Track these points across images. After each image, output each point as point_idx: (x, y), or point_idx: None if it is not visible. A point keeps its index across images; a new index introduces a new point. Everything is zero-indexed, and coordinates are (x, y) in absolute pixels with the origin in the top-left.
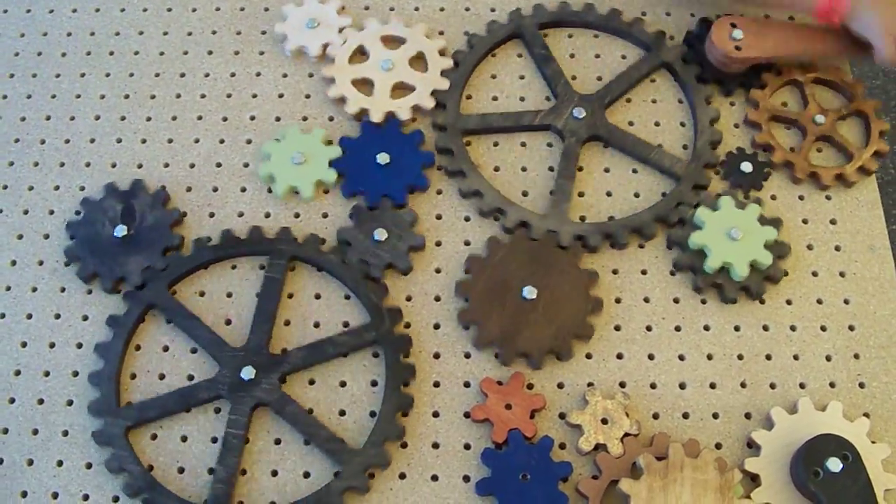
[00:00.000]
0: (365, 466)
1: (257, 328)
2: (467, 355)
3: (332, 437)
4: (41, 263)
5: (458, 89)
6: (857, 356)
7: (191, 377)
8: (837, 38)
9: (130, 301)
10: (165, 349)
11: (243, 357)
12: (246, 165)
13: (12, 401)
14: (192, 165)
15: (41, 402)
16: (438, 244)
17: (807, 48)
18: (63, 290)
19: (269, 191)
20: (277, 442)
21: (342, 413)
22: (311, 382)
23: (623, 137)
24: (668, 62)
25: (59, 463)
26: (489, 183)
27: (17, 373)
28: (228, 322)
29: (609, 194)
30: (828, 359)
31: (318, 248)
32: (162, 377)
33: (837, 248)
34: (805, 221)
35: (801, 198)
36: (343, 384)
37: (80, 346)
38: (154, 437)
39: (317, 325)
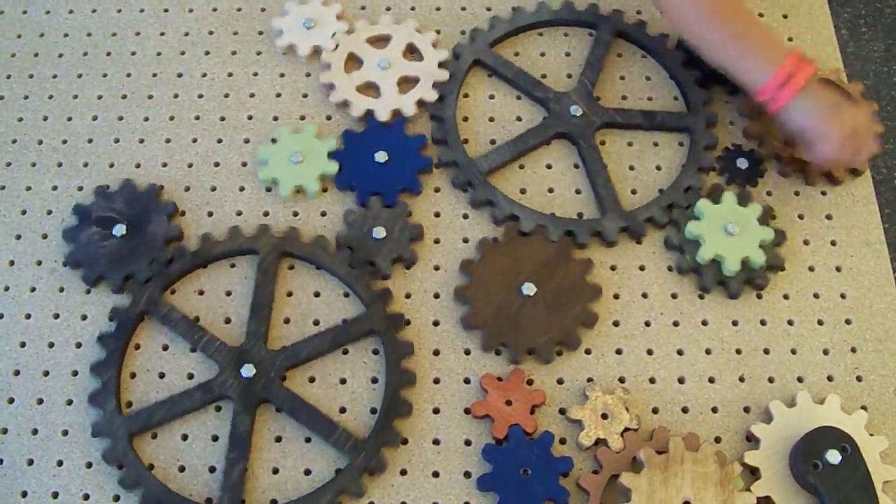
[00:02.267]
0: (375, 452)
1: (253, 325)
2: (467, 352)
3: (338, 429)
4: (39, 263)
5: (456, 83)
6: (854, 350)
7: (191, 375)
8: None
9: (123, 311)
10: (165, 348)
11: (242, 355)
12: (244, 165)
13: (12, 401)
14: (191, 165)
15: (41, 401)
16: (437, 241)
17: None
18: (62, 289)
19: (268, 190)
20: (278, 439)
21: (342, 410)
22: (312, 380)
23: (630, 115)
24: (620, 30)
25: (59, 462)
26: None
27: (17, 373)
28: (228, 321)
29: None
30: (825, 352)
31: (301, 241)
32: (162, 376)
33: (833, 243)
34: (801, 216)
35: (796, 193)
36: (343, 381)
37: (79, 345)
38: (154, 436)
39: (316, 322)
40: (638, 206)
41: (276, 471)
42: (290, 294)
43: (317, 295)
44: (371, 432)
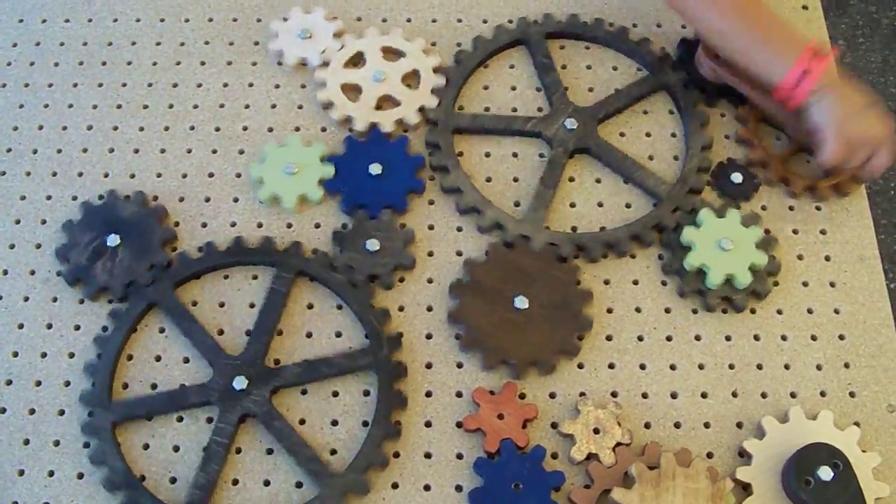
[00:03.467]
0: (343, 491)
1: (255, 339)
2: (459, 365)
3: (314, 458)
4: (33, 273)
5: (451, 94)
6: (847, 365)
7: (183, 386)
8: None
9: (135, 298)
10: (158, 359)
11: (238, 366)
12: (238, 176)
13: (3, 411)
14: (185, 175)
15: (32, 412)
16: (431, 254)
17: (767, 101)
18: (55, 299)
19: (261, 202)
20: (269, 452)
21: (335, 423)
22: (304, 392)
23: (610, 153)
24: (668, 86)
25: (51, 473)
26: (471, 181)
27: (9, 382)
28: (221, 332)
29: (600, 205)
30: (818, 368)
31: (326, 264)
32: (154, 387)
33: (827, 258)
34: (795, 232)
35: (791, 208)
36: (335, 394)
37: (71, 355)
38: (146, 446)
39: (309, 335)
40: (626, 223)
41: (267, 483)
42: (288, 308)
43: (309, 307)
44: (348, 467)
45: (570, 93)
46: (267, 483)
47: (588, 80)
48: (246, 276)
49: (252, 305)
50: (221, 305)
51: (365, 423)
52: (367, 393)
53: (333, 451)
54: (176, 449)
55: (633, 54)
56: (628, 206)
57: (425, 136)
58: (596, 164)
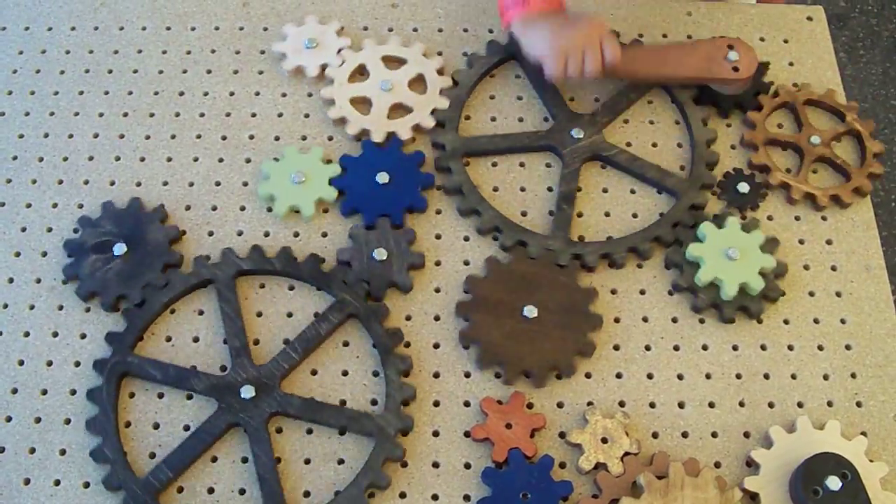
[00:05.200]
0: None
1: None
2: (467, 374)
3: (278, 496)
4: (39, 281)
5: (457, 108)
6: (854, 375)
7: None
8: (688, 65)
9: (194, 272)
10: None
11: (253, 376)
12: (245, 184)
13: (9, 419)
14: (191, 184)
15: (38, 420)
16: (438, 264)
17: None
18: (61, 307)
19: (269, 210)
20: (278, 461)
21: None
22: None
23: (622, 157)
24: (664, 85)
25: (57, 482)
26: (488, 202)
27: (14, 391)
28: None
29: (607, 214)
30: (825, 378)
31: (378, 315)
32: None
33: (833, 269)
34: (801, 242)
35: (797, 218)
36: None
37: (77, 364)
38: (153, 455)
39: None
40: (585, 241)
41: (242, 491)
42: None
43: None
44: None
45: (569, 102)
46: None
47: (592, 90)
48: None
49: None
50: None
51: (374, 402)
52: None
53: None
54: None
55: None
56: (635, 215)
57: (435, 162)
58: (602, 174)
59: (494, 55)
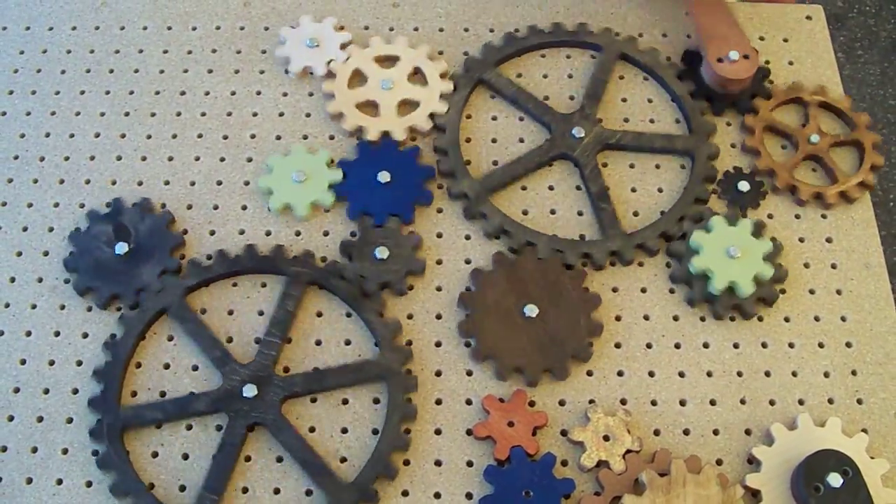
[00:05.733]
0: (353, 500)
1: (265, 347)
2: (469, 373)
3: (322, 466)
4: (40, 280)
5: (457, 113)
6: (854, 372)
7: (192, 393)
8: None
9: (145, 305)
10: (167, 367)
11: (247, 374)
12: (246, 184)
13: (11, 418)
14: (193, 183)
15: (40, 419)
16: (439, 262)
17: None
18: (63, 307)
19: (269, 210)
20: (279, 460)
21: (344, 430)
22: (314, 401)
23: (628, 137)
24: (625, 53)
25: (59, 481)
26: (520, 223)
27: (16, 390)
28: (230, 340)
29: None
30: (826, 375)
31: (337, 273)
32: (163, 394)
33: (834, 266)
34: (801, 240)
35: (797, 216)
36: (345, 401)
37: (79, 363)
38: (155, 454)
39: (318, 343)
40: (636, 230)
41: (277, 491)
42: (298, 317)
43: (319, 315)
44: (357, 477)
45: (552, 104)
46: (277, 491)
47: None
48: (255, 284)
49: (261, 313)
50: (230, 313)
51: (375, 431)
52: (377, 401)
53: (343, 459)
54: (185, 457)
55: (637, 64)
56: (636, 213)
57: (438, 166)
58: (602, 171)
59: (463, 88)
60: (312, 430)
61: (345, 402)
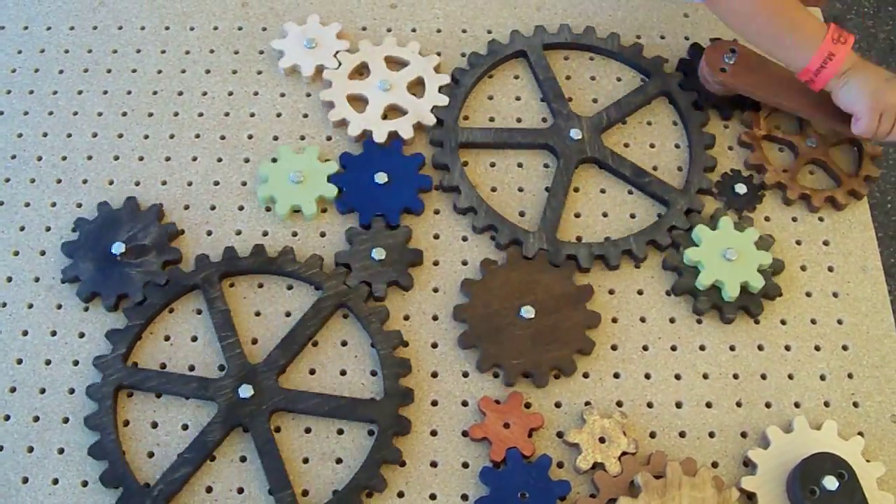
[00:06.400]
0: None
1: (277, 355)
2: (465, 374)
3: (287, 489)
4: (37, 280)
5: (456, 107)
6: (850, 376)
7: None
8: (820, 103)
9: (180, 279)
10: (194, 339)
11: (250, 374)
12: (244, 184)
13: (7, 418)
14: (190, 183)
15: (36, 419)
16: (436, 264)
17: (787, 101)
18: (59, 306)
19: (267, 209)
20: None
21: (340, 431)
22: (308, 431)
23: (617, 161)
24: (667, 90)
25: (55, 481)
26: (484, 199)
27: (13, 390)
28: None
29: (605, 215)
30: (822, 378)
31: (362, 299)
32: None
33: (830, 269)
34: (798, 242)
35: (794, 219)
36: (340, 432)
37: (76, 363)
38: (151, 455)
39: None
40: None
41: (241, 490)
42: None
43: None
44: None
45: (574, 104)
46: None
47: (586, 90)
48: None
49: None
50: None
51: (371, 432)
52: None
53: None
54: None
55: (637, 66)
56: (633, 216)
57: (433, 159)
58: (601, 174)
59: (499, 53)
60: (309, 430)
61: (340, 432)
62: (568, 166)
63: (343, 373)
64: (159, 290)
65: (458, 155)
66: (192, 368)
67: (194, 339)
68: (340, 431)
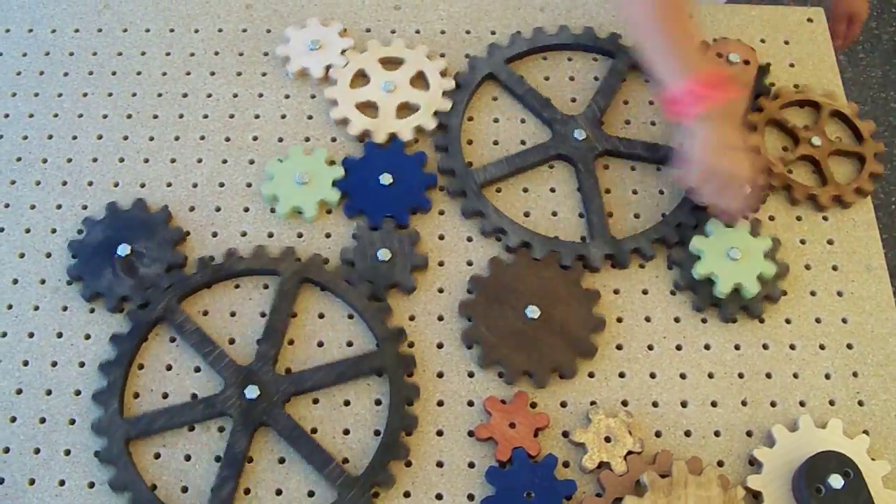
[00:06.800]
0: (364, 492)
1: (265, 347)
2: (471, 374)
3: (330, 463)
4: (43, 282)
5: (457, 150)
6: (855, 374)
7: (194, 396)
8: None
9: (136, 316)
10: (169, 368)
11: (249, 375)
12: (249, 185)
13: (14, 419)
14: (195, 185)
15: (43, 420)
16: (441, 264)
17: None
18: (65, 308)
19: (273, 211)
20: (281, 461)
21: (346, 432)
22: (315, 402)
23: (623, 144)
24: (635, 63)
25: (61, 482)
26: (495, 207)
27: (19, 391)
28: (232, 341)
29: (610, 215)
30: (827, 377)
31: (323, 268)
32: (165, 396)
33: (835, 268)
34: (803, 242)
35: (798, 218)
36: (347, 403)
37: (82, 364)
38: (157, 456)
39: (320, 344)
40: (631, 234)
41: (279, 492)
42: (294, 315)
43: (322, 318)
44: (364, 472)
45: (560, 107)
46: (279, 492)
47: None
48: (256, 286)
49: (263, 315)
50: (232, 315)
51: (377, 433)
52: (378, 402)
53: (346, 460)
54: (187, 458)
55: (598, 48)
56: (637, 216)
57: (438, 163)
58: (605, 174)
59: (473, 78)
60: (315, 430)
61: (346, 403)
62: (588, 167)
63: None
64: (127, 336)
65: (484, 194)
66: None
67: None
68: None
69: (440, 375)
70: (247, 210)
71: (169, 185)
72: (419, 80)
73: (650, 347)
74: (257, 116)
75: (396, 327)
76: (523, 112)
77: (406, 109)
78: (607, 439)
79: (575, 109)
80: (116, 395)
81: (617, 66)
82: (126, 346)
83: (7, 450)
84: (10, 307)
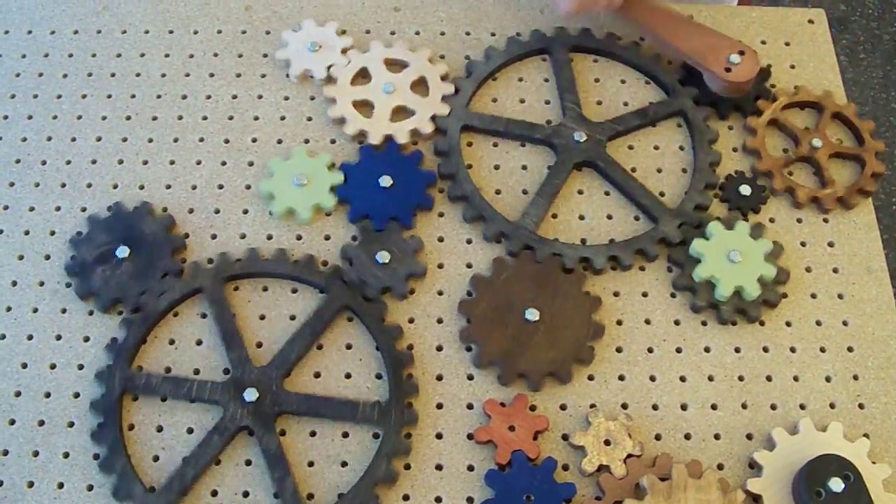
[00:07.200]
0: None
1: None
2: (470, 377)
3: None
4: (42, 284)
5: (464, 97)
6: (856, 377)
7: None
8: (690, 42)
9: (183, 282)
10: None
11: (237, 384)
12: (248, 188)
13: (12, 422)
14: (194, 187)
15: (42, 423)
16: (441, 266)
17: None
18: (64, 311)
19: (270, 214)
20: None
21: (345, 435)
22: (313, 434)
23: (613, 170)
24: (683, 110)
25: (60, 485)
26: (479, 192)
27: (18, 394)
28: (197, 371)
29: (610, 217)
30: (827, 380)
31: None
32: (168, 370)
33: (835, 271)
34: (803, 244)
35: (799, 220)
36: (348, 376)
37: (81, 367)
38: (156, 458)
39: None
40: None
41: (245, 494)
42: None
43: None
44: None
45: (583, 107)
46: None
47: (599, 95)
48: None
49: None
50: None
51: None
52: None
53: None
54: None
55: (645, 70)
56: (637, 218)
57: (434, 144)
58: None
59: (517, 48)
60: (313, 433)
61: (345, 435)
62: (565, 165)
63: (348, 376)
64: (163, 294)
65: (460, 141)
66: (196, 372)
67: (199, 342)
68: (346, 434)
69: (439, 378)
70: (246, 212)
71: (168, 187)
72: (420, 85)
73: (650, 350)
74: (256, 118)
75: (411, 383)
76: (542, 98)
77: (402, 113)
78: (607, 442)
79: (598, 117)
80: (131, 346)
81: (666, 104)
82: (160, 307)
83: (6, 452)
84: (8, 309)
